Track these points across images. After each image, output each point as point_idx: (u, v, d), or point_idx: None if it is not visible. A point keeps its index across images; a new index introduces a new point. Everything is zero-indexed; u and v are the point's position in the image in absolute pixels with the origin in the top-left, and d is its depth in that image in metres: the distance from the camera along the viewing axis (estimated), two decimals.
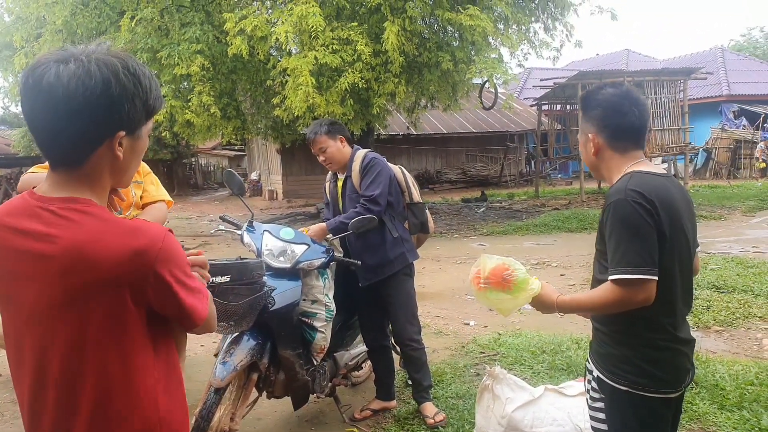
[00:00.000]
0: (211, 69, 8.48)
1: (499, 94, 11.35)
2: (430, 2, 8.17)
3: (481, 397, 2.33)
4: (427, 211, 2.90)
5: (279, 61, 8.39)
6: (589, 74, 12.51)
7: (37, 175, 2.01)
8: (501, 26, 8.93)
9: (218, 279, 1.76)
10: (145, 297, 0.89)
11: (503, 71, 8.62)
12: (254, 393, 2.43)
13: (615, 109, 1.43)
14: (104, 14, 8.70)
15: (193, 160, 24.13)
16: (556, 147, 14.80)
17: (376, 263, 2.63)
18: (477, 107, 13.69)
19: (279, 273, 2.34)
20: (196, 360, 3.58)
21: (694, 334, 1.51)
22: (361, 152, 2.72)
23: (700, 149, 16.21)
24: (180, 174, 21.96)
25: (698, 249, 1.51)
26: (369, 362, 3.00)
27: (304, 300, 2.43)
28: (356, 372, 3.01)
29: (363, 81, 7.89)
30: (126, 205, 2.12)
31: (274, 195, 16.88)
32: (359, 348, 2.92)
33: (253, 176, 19.26)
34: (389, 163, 2.76)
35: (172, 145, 17.05)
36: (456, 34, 9.11)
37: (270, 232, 2.44)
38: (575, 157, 13.63)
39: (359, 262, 2.55)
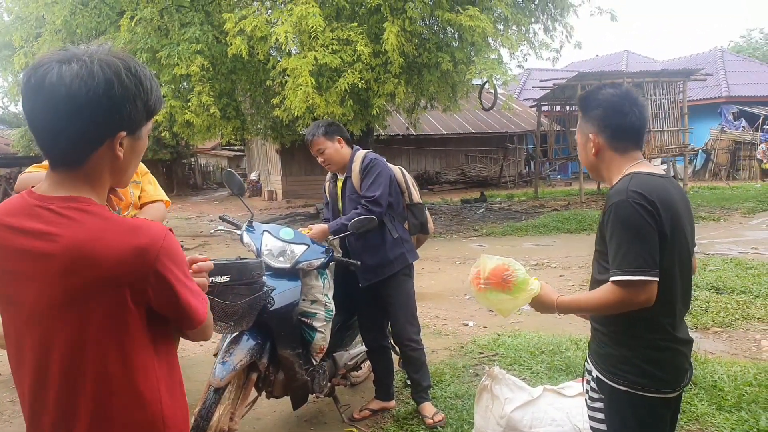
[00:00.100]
0: (211, 69, 8.48)
1: (498, 95, 11.35)
2: (430, 3, 8.18)
3: (480, 397, 2.33)
4: (426, 211, 2.90)
5: (279, 61, 8.39)
6: (589, 75, 12.52)
7: (35, 175, 2.01)
8: (501, 27, 8.94)
9: (218, 279, 1.76)
10: (145, 296, 0.89)
11: (503, 72, 8.62)
12: (253, 393, 2.43)
13: (616, 109, 1.43)
14: (104, 14, 8.70)
15: (192, 160, 24.12)
16: (555, 148, 14.81)
17: (375, 264, 2.64)
18: (476, 108, 13.71)
19: (278, 273, 2.34)
20: (196, 360, 3.58)
21: (692, 335, 1.52)
22: (361, 153, 2.72)
23: (700, 150, 16.23)
24: (179, 174, 21.95)
25: (696, 249, 1.52)
26: (368, 362, 3.00)
27: (304, 300, 2.43)
28: (355, 372, 3.01)
29: (363, 81, 7.89)
30: (124, 204, 2.13)
31: (274, 195, 16.88)
32: (358, 348, 2.92)
33: (253, 176, 19.26)
34: (389, 164, 2.76)
35: (171, 145, 17.04)
36: (456, 35, 9.12)
37: (270, 233, 2.45)
38: (575, 158, 13.64)
39: (359, 263, 2.55)
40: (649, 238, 1.31)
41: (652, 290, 1.31)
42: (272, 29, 7.74)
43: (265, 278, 2.10)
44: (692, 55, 21.98)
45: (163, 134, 10.39)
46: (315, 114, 7.90)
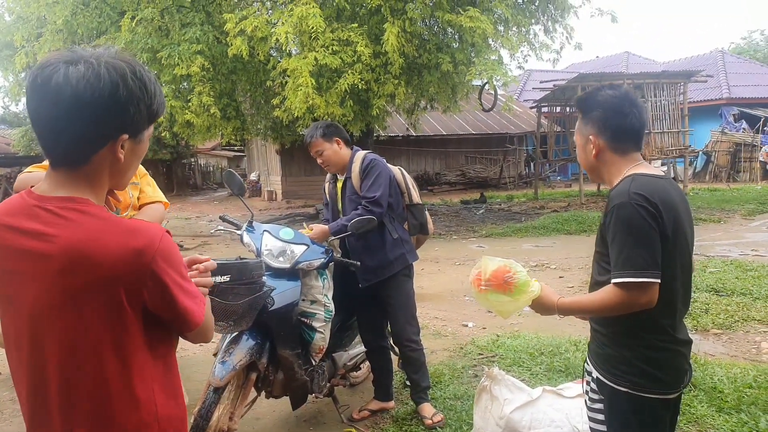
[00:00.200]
0: (211, 69, 8.49)
1: (498, 96, 11.36)
2: (431, 4, 8.18)
3: (480, 398, 2.33)
4: (426, 212, 2.90)
5: (279, 61, 8.40)
6: (589, 76, 12.52)
7: (34, 175, 2.01)
8: (501, 28, 8.94)
9: (218, 279, 1.76)
10: (141, 297, 0.89)
11: (503, 73, 8.62)
12: (253, 392, 2.43)
13: (616, 110, 1.43)
14: (105, 14, 8.71)
15: (192, 160, 24.13)
16: (555, 149, 14.81)
17: (375, 264, 2.64)
18: (476, 109, 13.73)
19: (278, 273, 2.35)
20: (195, 359, 3.58)
21: (692, 336, 1.52)
22: (361, 154, 2.73)
23: (700, 152, 16.23)
24: (179, 174, 21.96)
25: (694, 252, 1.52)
26: (367, 363, 3.00)
27: (303, 300, 2.43)
28: (355, 372, 3.01)
29: (363, 82, 7.90)
30: (123, 205, 2.13)
31: (273, 196, 16.88)
32: (358, 348, 2.92)
33: (253, 177, 19.27)
34: (389, 165, 2.76)
35: (171, 145, 17.04)
36: (456, 36, 9.13)
37: (270, 233, 2.45)
38: (575, 159, 13.63)
39: (359, 263, 2.55)
40: (652, 240, 1.31)
41: (654, 292, 1.31)
42: (273, 30, 7.74)
43: (264, 278, 2.11)
44: (693, 57, 21.98)
45: (163, 134, 10.41)
46: (315, 114, 7.91)
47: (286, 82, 8.02)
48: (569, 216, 9.70)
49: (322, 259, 2.44)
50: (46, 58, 0.90)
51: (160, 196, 2.30)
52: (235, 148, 23.20)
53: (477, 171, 17.97)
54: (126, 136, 0.92)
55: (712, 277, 5.12)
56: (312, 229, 2.57)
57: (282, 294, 2.28)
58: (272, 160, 17.32)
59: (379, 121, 10.16)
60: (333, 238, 2.59)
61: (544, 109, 14.76)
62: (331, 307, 2.50)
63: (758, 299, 4.48)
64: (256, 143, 18.42)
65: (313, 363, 2.48)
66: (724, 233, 8.12)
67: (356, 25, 7.99)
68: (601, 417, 1.47)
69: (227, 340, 2.26)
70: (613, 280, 1.34)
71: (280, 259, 2.38)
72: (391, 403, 2.84)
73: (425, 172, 17.52)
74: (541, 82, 14.51)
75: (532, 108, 16.63)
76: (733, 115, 17.78)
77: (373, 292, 2.70)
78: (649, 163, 1.52)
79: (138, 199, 2.22)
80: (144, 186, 2.25)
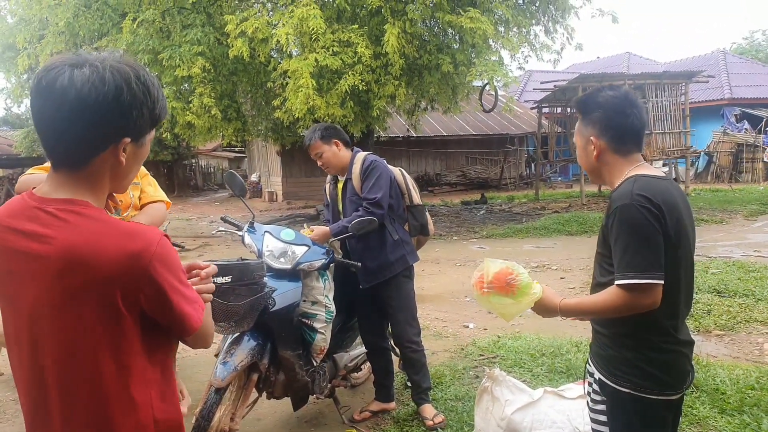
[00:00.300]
0: (212, 71, 8.50)
1: (499, 97, 11.35)
2: (431, 5, 8.18)
3: (481, 399, 2.33)
4: (427, 213, 2.90)
5: (279, 63, 8.41)
6: (590, 77, 12.52)
7: (35, 176, 2.01)
8: (501, 29, 8.94)
9: (219, 279, 1.76)
10: (137, 301, 0.89)
11: (503, 74, 8.61)
12: (254, 393, 2.43)
13: (617, 111, 1.43)
14: (106, 16, 8.73)
15: (193, 161, 24.16)
16: (556, 150, 14.81)
17: (376, 265, 2.64)
18: (477, 110, 13.72)
19: (279, 274, 2.35)
20: (197, 360, 3.59)
21: (694, 338, 1.52)
22: (361, 155, 2.73)
23: (702, 153, 16.21)
24: (180, 175, 21.99)
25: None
26: (368, 364, 3.00)
27: (305, 301, 2.43)
28: (356, 373, 3.01)
29: (363, 83, 7.90)
30: (124, 206, 2.13)
31: (274, 197, 16.89)
32: (359, 349, 2.92)
33: (253, 178, 19.29)
34: (389, 166, 2.77)
35: (172, 146, 17.06)
36: (456, 37, 9.13)
37: (271, 234, 2.45)
38: (575, 160, 13.51)
39: (359, 264, 2.56)
40: (655, 241, 1.31)
41: (657, 293, 1.31)
42: (273, 31, 7.75)
43: (266, 279, 2.10)
44: (694, 57, 21.96)
45: (164, 135, 10.42)
46: (315, 116, 7.91)
47: (287, 84, 8.03)
48: (570, 217, 9.69)
49: (323, 260, 2.44)
50: (51, 61, 0.91)
51: (161, 195, 2.31)
52: (236, 149, 23.23)
53: (478, 172, 17.96)
54: (128, 140, 0.92)
55: (714, 278, 5.11)
56: (313, 231, 2.57)
57: (283, 295, 2.29)
58: (273, 161, 17.34)
59: (380, 122, 10.16)
60: (334, 239, 2.59)
61: (545, 110, 14.75)
62: (332, 308, 2.50)
63: (760, 300, 4.46)
64: (256, 144, 18.44)
65: (314, 364, 2.48)
66: (727, 234, 8.10)
67: (357, 26, 7.99)
68: (603, 418, 1.47)
69: (228, 340, 2.26)
70: (617, 282, 1.33)
71: (282, 260, 2.38)
72: (392, 404, 2.84)
73: (426, 173, 17.52)
74: (541, 83, 14.51)
75: (532, 109, 16.63)
76: (735, 115, 17.74)
77: (374, 294, 2.70)
78: (651, 164, 1.52)
79: (139, 199, 2.22)
80: (145, 186, 2.26)
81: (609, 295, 1.36)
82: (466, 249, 7.88)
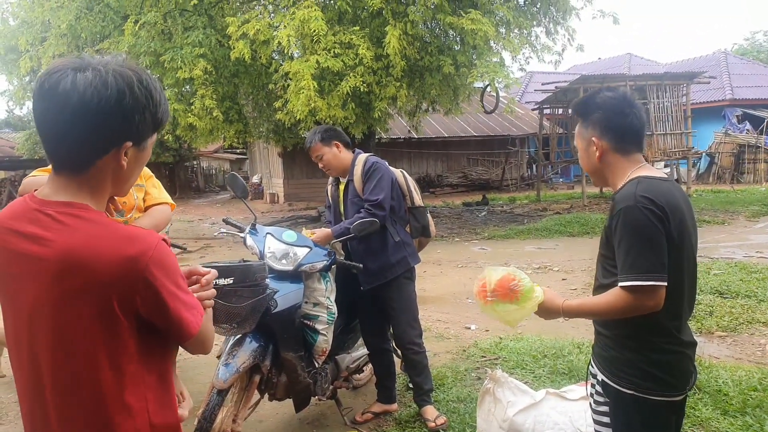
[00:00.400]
0: (214, 72, 8.52)
1: (500, 98, 11.37)
2: (432, 6, 8.19)
3: (483, 400, 2.33)
4: (428, 214, 2.90)
5: (281, 64, 8.43)
6: (591, 78, 12.52)
7: (39, 179, 2.02)
8: (503, 30, 8.95)
9: (221, 281, 1.76)
10: (133, 305, 0.89)
11: (505, 75, 8.61)
12: (256, 395, 2.43)
13: (616, 111, 1.44)
14: (108, 18, 8.76)
15: (194, 163, 24.20)
16: (557, 151, 14.80)
17: (377, 267, 2.64)
18: (478, 111, 13.71)
19: (281, 275, 2.35)
20: (199, 362, 3.59)
21: (696, 339, 1.51)
22: (363, 156, 2.73)
23: (703, 154, 16.18)
24: (182, 177, 22.02)
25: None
26: (370, 365, 3.00)
27: (306, 303, 2.43)
28: (357, 375, 3.01)
29: (364, 85, 7.91)
30: (128, 207, 2.13)
31: (276, 198, 16.91)
32: (360, 351, 2.92)
33: (255, 179, 19.31)
34: (390, 167, 2.77)
35: (174, 148, 17.10)
36: (457, 38, 9.13)
37: (273, 235, 2.46)
38: (577, 161, 13.56)
39: (361, 266, 2.56)
40: (658, 243, 1.31)
41: (660, 295, 1.31)
42: (275, 33, 7.77)
43: (268, 281, 2.11)
44: (695, 58, 21.93)
45: (166, 137, 10.45)
46: (317, 117, 7.92)
47: (288, 85, 8.05)
48: (572, 218, 9.68)
49: (325, 262, 2.45)
50: (54, 64, 0.91)
51: (166, 197, 2.30)
52: (238, 150, 23.26)
53: (479, 173, 17.96)
54: (130, 144, 0.92)
55: (716, 279, 5.09)
56: (314, 233, 2.58)
57: (285, 296, 2.29)
58: (274, 163, 17.35)
59: (381, 123, 10.17)
60: (335, 240, 2.60)
61: (546, 111, 14.75)
62: (334, 309, 2.50)
63: (763, 301, 4.45)
64: (258, 146, 18.46)
65: (316, 365, 2.48)
66: (728, 235, 8.08)
67: (358, 28, 8.01)
68: (606, 420, 1.47)
69: (230, 342, 2.27)
70: (620, 284, 1.33)
71: (283, 261, 2.38)
72: (394, 406, 2.84)
73: (427, 174, 17.52)
74: (543, 84, 14.51)
75: (534, 110, 16.62)
76: (737, 116, 17.71)
77: (375, 295, 2.70)
78: (652, 165, 1.52)
79: (144, 200, 2.22)
80: (150, 188, 2.26)
81: (612, 296, 1.36)
82: (468, 250, 7.87)
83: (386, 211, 2.60)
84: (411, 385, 2.84)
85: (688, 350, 1.43)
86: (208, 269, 1.08)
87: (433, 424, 2.62)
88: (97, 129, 0.88)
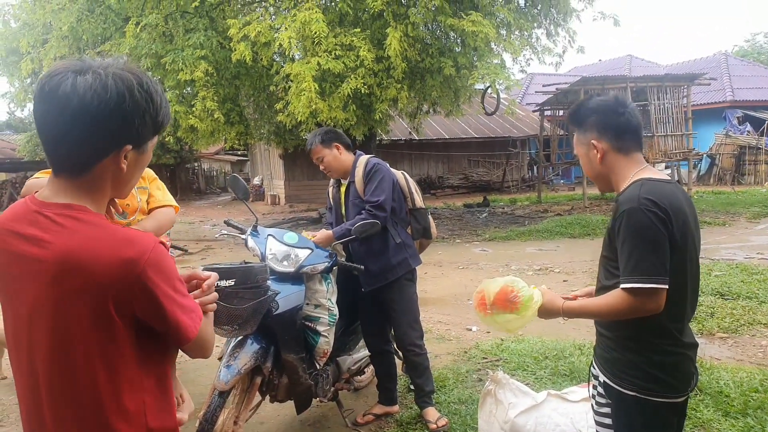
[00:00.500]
0: (215, 74, 8.54)
1: (501, 100, 11.38)
2: (433, 8, 8.21)
3: (484, 402, 2.32)
4: (429, 216, 2.91)
5: (282, 66, 8.44)
6: (592, 80, 12.52)
7: (41, 180, 2.02)
8: (503, 32, 8.96)
9: (223, 283, 1.77)
10: (130, 307, 0.89)
11: (505, 77, 8.63)
12: (258, 397, 2.43)
13: (610, 111, 1.45)
14: (109, 20, 8.78)
15: (196, 164, 24.23)
16: (558, 152, 14.80)
17: (378, 269, 2.64)
18: (479, 112, 13.72)
19: (283, 277, 2.35)
20: (200, 363, 3.59)
21: (698, 340, 1.51)
22: (364, 158, 2.74)
23: (704, 155, 16.18)
24: (183, 179, 22.05)
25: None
26: (371, 367, 3.00)
27: (308, 304, 2.43)
28: (359, 376, 3.01)
29: (365, 86, 7.92)
30: (131, 210, 2.13)
31: (277, 200, 16.92)
32: (362, 353, 2.92)
33: (256, 181, 19.32)
34: (392, 169, 2.77)
35: (175, 149, 17.13)
36: (458, 40, 9.15)
37: (274, 237, 2.46)
38: (578, 162, 13.54)
39: (362, 267, 2.56)
40: (661, 246, 1.31)
41: (662, 298, 1.32)
42: (276, 35, 7.79)
43: (269, 282, 2.11)
44: (696, 60, 21.93)
45: (167, 139, 10.46)
46: (318, 119, 7.93)
47: (289, 87, 8.06)
48: (573, 219, 9.68)
49: (326, 263, 2.45)
50: (55, 67, 0.91)
51: (170, 200, 2.30)
52: (239, 152, 23.28)
53: (480, 174, 17.96)
54: (129, 147, 0.92)
55: (717, 281, 5.09)
56: (315, 235, 2.58)
57: (286, 298, 2.29)
58: (275, 165, 17.37)
59: (382, 125, 10.18)
60: (337, 242, 2.60)
61: (547, 113, 14.76)
62: (335, 311, 2.50)
63: (764, 303, 4.45)
64: (259, 148, 18.48)
65: (318, 367, 2.48)
66: (729, 236, 8.08)
67: (359, 29, 8.03)
68: (607, 421, 1.47)
69: (232, 344, 2.26)
70: (622, 285, 1.34)
71: (285, 263, 2.38)
72: (396, 408, 2.84)
73: (428, 176, 17.53)
74: (543, 86, 14.51)
75: (534, 111, 16.63)
76: (737, 117, 17.72)
77: (377, 297, 2.70)
78: (653, 166, 1.52)
79: (147, 203, 2.22)
80: (153, 190, 2.26)
81: (613, 298, 1.36)
82: (469, 252, 7.87)
83: (387, 212, 2.61)
84: (412, 387, 2.84)
85: (689, 352, 1.43)
86: (209, 273, 1.08)
87: (434, 426, 2.62)
88: (96, 132, 0.89)
